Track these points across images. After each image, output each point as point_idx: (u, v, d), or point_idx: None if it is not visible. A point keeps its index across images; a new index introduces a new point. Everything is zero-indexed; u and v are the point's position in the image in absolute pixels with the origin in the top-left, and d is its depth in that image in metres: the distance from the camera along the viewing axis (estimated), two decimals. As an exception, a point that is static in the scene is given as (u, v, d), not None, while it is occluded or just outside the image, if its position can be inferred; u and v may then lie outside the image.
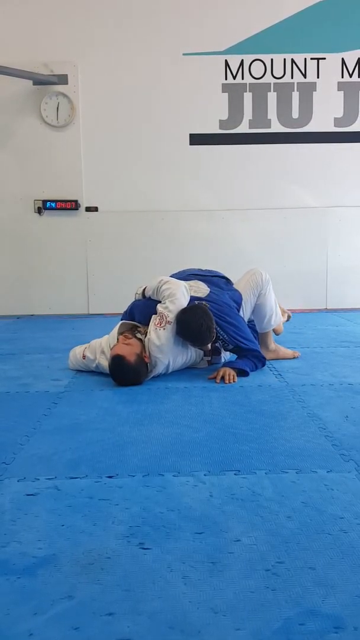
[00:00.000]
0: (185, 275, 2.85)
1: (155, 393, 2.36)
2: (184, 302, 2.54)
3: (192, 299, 2.62)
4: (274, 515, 1.31)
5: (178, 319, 2.49)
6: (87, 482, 1.50)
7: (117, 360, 2.40)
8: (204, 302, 2.59)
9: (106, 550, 1.17)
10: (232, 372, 2.53)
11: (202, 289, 2.73)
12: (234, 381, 2.49)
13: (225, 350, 2.72)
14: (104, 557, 1.15)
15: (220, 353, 2.74)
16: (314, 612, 0.97)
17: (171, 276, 2.77)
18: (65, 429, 1.93)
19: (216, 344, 2.66)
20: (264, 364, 2.69)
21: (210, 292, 2.70)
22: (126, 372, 2.42)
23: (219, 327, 2.56)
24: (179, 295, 2.53)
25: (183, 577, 1.08)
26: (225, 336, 2.60)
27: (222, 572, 1.09)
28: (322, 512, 1.32)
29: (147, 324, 2.55)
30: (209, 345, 2.60)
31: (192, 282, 2.76)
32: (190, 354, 2.66)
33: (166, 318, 2.48)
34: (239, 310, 2.73)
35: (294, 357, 2.95)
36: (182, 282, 2.63)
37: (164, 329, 2.46)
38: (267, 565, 1.11)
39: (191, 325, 2.45)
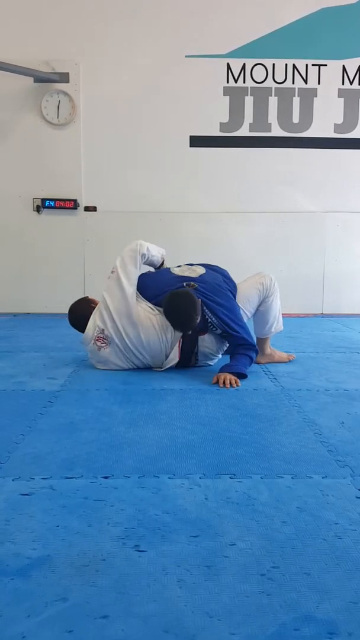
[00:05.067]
0: (187, 263, 2.91)
1: (150, 394, 2.36)
2: (130, 267, 2.71)
3: (183, 279, 2.68)
4: (270, 520, 1.31)
5: (163, 304, 2.57)
6: (82, 482, 1.50)
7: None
8: (191, 283, 2.62)
9: (101, 552, 1.17)
10: (233, 377, 2.51)
11: (197, 271, 2.77)
12: (237, 385, 2.48)
13: (214, 333, 2.68)
14: (98, 558, 1.14)
15: (195, 345, 2.71)
16: (308, 618, 0.97)
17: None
18: (61, 428, 1.93)
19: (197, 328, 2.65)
20: (257, 352, 2.69)
21: (205, 273, 2.73)
22: (72, 306, 2.88)
23: (207, 309, 2.58)
24: (128, 256, 2.75)
25: (178, 580, 1.07)
26: (213, 319, 2.60)
27: (217, 576, 1.09)
28: (317, 518, 1.32)
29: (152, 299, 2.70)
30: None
31: (193, 267, 2.79)
32: (159, 336, 2.64)
33: (114, 268, 2.73)
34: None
35: (289, 360, 2.96)
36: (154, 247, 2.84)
37: (109, 278, 2.73)
38: (262, 570, 1.11)
39: (173, 311, 2.52)
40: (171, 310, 2.53)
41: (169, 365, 2.69)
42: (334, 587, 1.06)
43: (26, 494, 1.43)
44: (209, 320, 2.61)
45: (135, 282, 2.72)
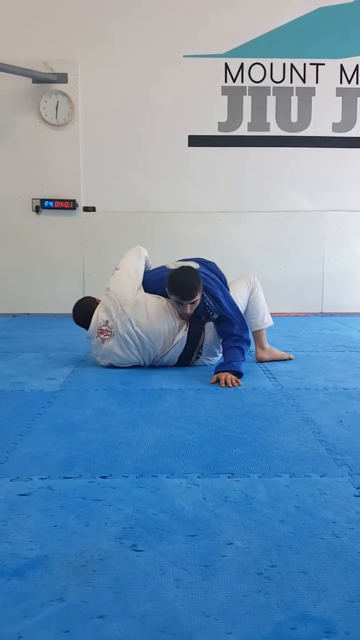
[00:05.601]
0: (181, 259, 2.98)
1: (149, 394, 2.36)
2: (134, 259, 2.88)
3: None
4: (267, 518, 1.31)
5: (170, 272, 2.66)
6: (80, 482, 1.50)
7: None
8: (192, 263, 2.77)
9: (98, 551, 1.17)
10: (233, 377, 2.51)
11: (191, 264, 2.83)
12: (239, 385, 2.48)
13: (210, 319, 2.71)
14: (96, 558, 1.14)
15: (202, 329, 2.75)
16: (305, 617, 0.97)
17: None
18: (60, 429, 1.93)
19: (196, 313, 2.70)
20: (249, 343, 2.73)
21: (199, 268, 2.78)
22: (76, 304, 2.93)
23: (205, 291, 2.66)
24: (131, 253, 2.92)
25: (175, 580, 1.07)
26: (211, 303, 2.65)
27: (215, 575, 1.09)
28: (315, 516, 1.32)
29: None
30: (188, 307, 2.61)
31: (188, 262, 2.84)
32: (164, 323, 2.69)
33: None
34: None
35: (288, 359, 2.96)
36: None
37: (113, 274, 2.83)
38: (260, 569, 1.11)
39: (178, 277, 2.61)
40: (177, 275, 2.62)
41: (175, 347, 2.70)
42: (331, 585, 1.06)
43: (24, 494, 1.43)
44: (207, 303, 2.66)
45: (142, 272, 2.85)
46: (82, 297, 3.04)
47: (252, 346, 2.90)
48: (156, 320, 2.68)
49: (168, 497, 1.42)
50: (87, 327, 2.80)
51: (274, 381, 2.57)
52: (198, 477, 1.53)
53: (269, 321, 2.95)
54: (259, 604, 1.00)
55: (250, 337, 2.82)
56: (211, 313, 2.68)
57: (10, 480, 1.51)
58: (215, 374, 2.56)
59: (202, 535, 1.23)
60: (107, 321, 2.71)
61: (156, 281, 2.80)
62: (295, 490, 1.45)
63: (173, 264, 2.86)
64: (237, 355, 2.61)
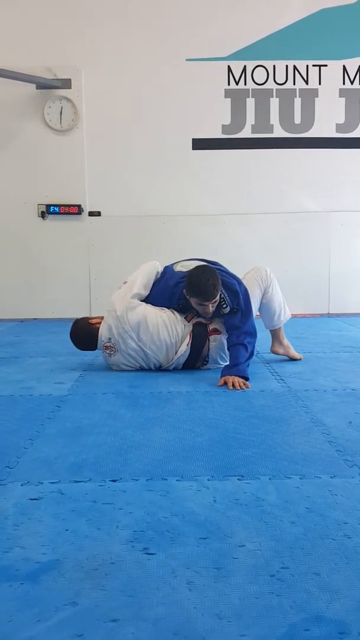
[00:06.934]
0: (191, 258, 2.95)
1: (157, 397, 2.36)
2: (142, 274, 2.81)
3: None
4: (278, 520, 1.30)
5: (189, 272, 2.65)
6: (90, 486, 1.50)
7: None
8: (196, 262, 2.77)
9: (110, 555, 1.17)
10: (241, 380, 2.50)
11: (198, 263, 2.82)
12: (247, 387, 2.47)
13: (222, 314, 2.68)
14: (108, 562, 1.14)
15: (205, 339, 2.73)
16: (318, 618, 0.97)
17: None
18: (69, 433, 1.93)
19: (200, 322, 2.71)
20: (255, 336, 2.69)
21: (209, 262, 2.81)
22: (72, 332, 2.87)
23: (222, 285, 2.61)
24: (142, 268, 2.85)
25: (187, 582, 1.07)
26: (226, 295, 2.62)
27: (227, 577, 1.09)
28: (326, 518, 1.31)
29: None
30: (210, 307, 2.58)
31: (194, 261, 2.83)
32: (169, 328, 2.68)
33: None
34: None
35: (299, 358, 2.98)
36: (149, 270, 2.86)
37: (120, 288, 2.81)
38: (272, 571, 1.10)
39: (196, 279, 2.57)
40: (195, 277, 2.59)
41: (179, 358, 2.71)
42: (343, 586, 1.05)
43: (35, 499, 1.43)
44: (222, 296, 2.62)
45: (149, 285, 2.81)
46: (73, 321, 2.94)
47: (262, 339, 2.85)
48: (157, 334, 2.68)
49: (178, 500, 1.42)
50: (94, 347, 2.84)
51: (282, 383, 2.57)
52: (208, 479, 1.53)
53: (285, 317, 2.93)
54: (271, 606, 1.00)
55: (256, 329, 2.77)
56: (225, 306, 2.64)
57: (21, 485, 1.52)
58: (222, 377, 2.55)
59: (213, 537, 1.23)
60: (109, 338, 2.72)
61: (169, 287, 2.74)
62: (305, 492, 1.45)
63: (180, 265, 2.85)
64: (242, 355, 2.58)
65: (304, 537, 1.23)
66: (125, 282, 2.84)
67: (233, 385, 2.47)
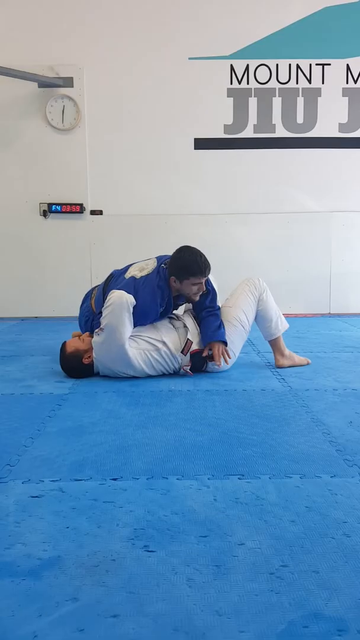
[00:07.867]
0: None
1: (158, 396, 2.37)
2: (118, 312, 2.49)
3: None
4: (278, 519, 1.31)
5: (174, 256, 2.63)
6: (91, 484, 1.51)
7: (61, 347, 2.75)
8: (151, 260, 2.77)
9: (111, 552, 1.18)
10: (223, 346, 2.65)
11: (150, 264, 2.78)
12: (229, 357, 2.67)
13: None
14: (108, 559, 1.15)
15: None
16: (317, 615, 0.98)
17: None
18: (70, 431, 1.94)
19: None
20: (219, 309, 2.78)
21: (160, 258, 2.77)
22: (61, 358, 2.71)
23: None
24: (116, 304, 2.49)
25: (187, 579, 1.08)
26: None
27: (227, 575, 1.10)
28: (326, 517, 1.32)
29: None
30: (204, 283, 2.62)
31: (145, 262, 2.80)
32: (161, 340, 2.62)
33: (100, 326, 2.57)
34: None
35: (307, 364, 2.90)
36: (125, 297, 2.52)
37: (98, 334, 2.60)
38: (271, 569, 1.11)
39: (188, 257, 2.59)
40: (185, 256, 2.59)
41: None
42: (342, 584, 1.06)
43: (36, 496, 1.44)
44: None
45: (132, 326, 2.56)
46: (63, 353, 2.71)
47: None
48: (154, 370, 2.66)
49: (179, 498, 1.42)
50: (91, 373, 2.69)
51: (283, 382, 2.58)
52: (209, 478, 1.54)
53: (283, 326, 2.84)
54: (271, 603, 1.01)
55: None
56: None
57: (22, 483, 1.53)
58: (205, 344, 2.66)
59: (213, 536, 1.24)
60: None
61: (148, 293, 2.58)
62: (305, 491, 1.46)
63: (135, 270, 2.71)
64: (217, 321, 2.69)
65: (304, 536, 1.24)
66: (102, 329, 2.54)
67: (222, 354, 2.63)
